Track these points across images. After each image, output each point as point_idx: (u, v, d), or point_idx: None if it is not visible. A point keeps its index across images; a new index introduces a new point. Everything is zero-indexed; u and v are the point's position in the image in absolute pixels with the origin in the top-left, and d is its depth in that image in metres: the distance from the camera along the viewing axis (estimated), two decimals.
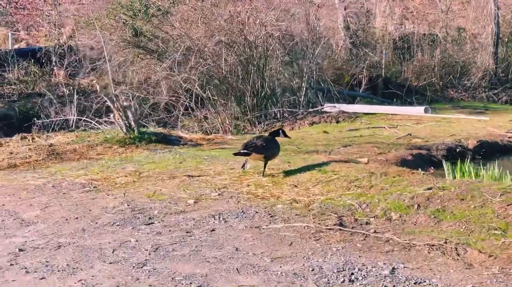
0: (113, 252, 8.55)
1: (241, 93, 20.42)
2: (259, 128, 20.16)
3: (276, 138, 12.05)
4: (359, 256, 8.19)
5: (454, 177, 11.92)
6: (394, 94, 27.36)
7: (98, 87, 18.26)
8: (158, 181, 11.87)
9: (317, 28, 22.87)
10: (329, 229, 9.21)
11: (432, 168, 13.81)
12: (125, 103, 15.27)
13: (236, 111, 20.61)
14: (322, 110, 20.99)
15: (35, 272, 7.89)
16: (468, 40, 35.64)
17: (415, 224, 9.21)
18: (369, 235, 8.92)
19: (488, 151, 16.26)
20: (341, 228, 9.23)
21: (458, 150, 15.53)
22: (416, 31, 36.43)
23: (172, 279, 7.63)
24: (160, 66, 19.99)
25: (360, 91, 25.14)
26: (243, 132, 20.35)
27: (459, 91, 33.78)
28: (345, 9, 34.92)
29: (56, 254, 8.52)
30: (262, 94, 20.56)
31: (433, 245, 8.28)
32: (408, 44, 35.04)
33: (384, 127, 18.06)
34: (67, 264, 8.12)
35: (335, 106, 20.89)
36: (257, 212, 10.08)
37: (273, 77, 20.96)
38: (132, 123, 15.38)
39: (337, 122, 20.09)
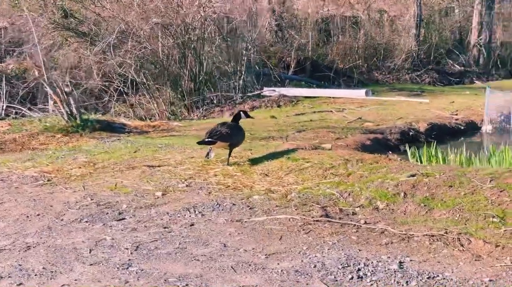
0: (90, 252, 7.94)
1: (178, 77, 19.78)
2: (197, 113, 19.62)
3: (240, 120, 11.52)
4: (359, 250, 7.80)
5: (421, 162, 11.64)
6: (322, 77, 27.14)
7: (36, 73, 17.34)
8: (117, 173, 11.23)
9: (253, 10, 22.33)
10: (317, 221, 8.80)
11: (390, 152, 13.51)
12: (66, 89, 14.46)
13: (172, 96, 19.96)
14: (262, 94, 20.50)
15: (9, 277, 7.23)
16: (390, 22, 35.76)
17: (405, 213, 8.87)
18: (361, 226, 8.54)
19: (439, 134, 16.16)
20: (329, 219, 8.83)
21: (411, 133, 15.36)
22: (339, 13, 36.35)
23: (165, 281, 7.09)
24: (93, 50, 19.09)
25: (288, 74, 24.76)
26: (180, 118, 19.74)
27: (384, 73, 33.90)
28: None
29: (27, 255, 7.85)
30: (200, 79, 19.96)
31: (432, 236, 7.95)
32: (332, 26, 34.92)
33: (332, 111, 17.77)
34: (43, 267, 7.49)
35: (274, 90, 20.50)
36: (234, 204, 9.59)
37: (211, 61, 20.35)
38: (74, 110, 14.61)
39: (279, 106, 19.70)
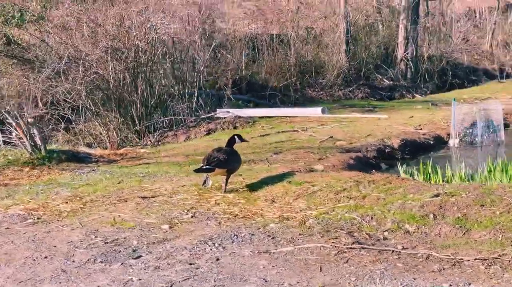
0: None
1: (128, 102, 19.11)
2: (151, 139, 18.95)
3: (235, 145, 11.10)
4: (414, 278, 7.45)
5: (429, 180, 11.39)
6: (261, 96, 26.81)
7: None
8: (110, 206, 10.61)
9: (200, 31, 21.87)
10: (350, 248, 8.40)
11: (373, 171, 13.25)
12: (29, 120, 13.71)
13: (122, 122, 19.28)
14: (215, 116, 20.02)
15: None
16: (320, 39, 35.79)
17: (440, 236, 8.56)
18: (400, 252, 8.18)
19: (412, 150, 16.01)
20: (363, 246, 8.45)
21: (387, 150, 15.13)
22: (267, 31, 36.23)
23: None
24: (39, 77, 18.27)
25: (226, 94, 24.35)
26: (132, 144, 19.09)
27: (316, 90, 33.80)
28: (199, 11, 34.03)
29: None
30: (151, 103, 19.34)
31: (484, 259, 7.65)
32: (262, 44, 34.70)
33: (298, 131, 17.40)
34: None
35: (228, 111, 20.03)
36: (252, 234, 9.11)
37: (161, 84, 19.77)
38: (38, 141, 13.84)
39: (235, 127, 19.25)
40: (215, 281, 7.80)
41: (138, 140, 19.60)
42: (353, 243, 8.59)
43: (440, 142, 17.16)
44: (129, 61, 18.87)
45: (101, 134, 19.66)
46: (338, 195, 10.08)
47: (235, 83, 29.46)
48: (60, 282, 7.93)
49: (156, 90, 19.57)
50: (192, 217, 9.99)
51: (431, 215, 8.92)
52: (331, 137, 16.19)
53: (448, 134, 17.53)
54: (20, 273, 8.25)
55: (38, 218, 10.34)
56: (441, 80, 37.78)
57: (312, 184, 10.58)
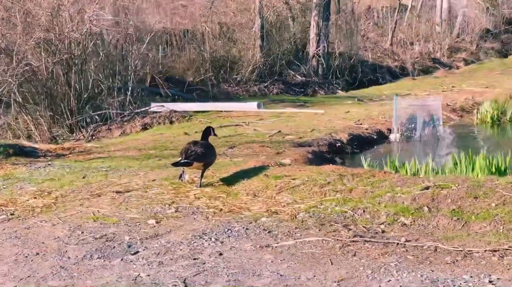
0: None
1: (61, 96, 18.64)
2: (84, 134, 18.55)
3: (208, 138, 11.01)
4: (431, 270, 7.53)
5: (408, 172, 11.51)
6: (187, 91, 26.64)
7: None
8: (83, 201, 10.35)
9: (131, 24, 21.52)
10: (353, 241, 8.46)
11: (330, 164, 13.33)
12: None
13: (51, 116, 18.79)
14: (150, 110, 19.74)
15: None
16: (235, 34, 35.81)
17: (438, 228, 8.72)
18: (405, 244, 8.25)
19: (359, 144, 16.18)
20: (366, 239, 8.49)
21: (337, 145, 15.25)
22: (182, 26, 36.03)
23: None
24: None
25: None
26: (63, 138, 18.64)
27: (232, 85, 33.78)
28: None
29: None
30: (84, 97, 18.92)
31: (495, 251, 7.81)
32: (177, 40, 34.45)
33: (242, 125, 17.33)
34: None
35: (163, 105, 19.78)
36: (247, 229, 9.05)
37: (95, 78, 19.36)
38: None
39: (171, 122, 19.08)
40: (227, 276, 7.68)
41: (69, 135, 19.11)
42: (354, 236, 8.59)
43: (382, 137, 17.42)
44: (62, 53, 18.34)
45: (29, 129, 19.07)
46: (323, 189, 10.07)
47: (154, 78, 29.07)
48: (64, 279, 7.69)
49: (90, 84, 19.09)
50: (176, 211, 9.82)
51: (425, 208, 9.03)
52: (280, 131, 16.16)
53: (389, 129, 17.77)
54: (16, 271, 7.97)
55: (11, 214, 9.96)
56: (351, 77, 38.28)
57: (292, 177, 10.54)
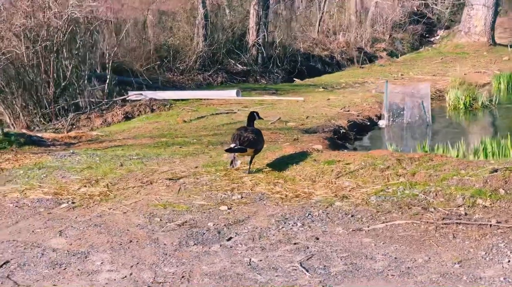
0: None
1: (37, 84, 18.27)
2: (62, 122, 18.24)
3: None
4: None
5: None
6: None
7: None
8: (139, 189, 10.30)
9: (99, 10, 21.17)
10: (445, 224, 8.61)
11: (345, 150, 13.55)
12: None
13: (30, 104, 18.42)
14: (127, 98, 19.52)
15: None
16: (178, 23, 35.63)
17: None
18: (499, 226, 8.50)
19: (358, 130, 16.42)
20: (455, 221, 8.65)
21: (341, 131, 15.44)
22: (123, 15, 35.63)
23: None
24: None
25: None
26: (39, 127, 18.30)
27: (176, 74, 33.64)
28: None
29: None
30: (63, 84, 18.58)
31: None
32: (121, 29, 34.01)
33: (232, 113, 17.34)
34: None
35: (141, 94, 19.59)
36: (327, 213, 9.17)
37: (73, 66, 19.03)
38: None
39: (152, 110, 18.94)
40: (340, 259, 7.79)
41: (45, 123, 18.75)
42: (443, 218, 8.79)
43: (372, 123, 17.67)
44: (41, 40, 17.95)
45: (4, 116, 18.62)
46: (384, 173, 10.21)
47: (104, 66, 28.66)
48: (177, 265, 7.66)
49: (69, 70, 18.73)
50: (242, 198, 9.83)
51: (501, 190, 9.27)
52: (280, 118, 16.24)
53: (376, 115, 18.06)
54: (121, 258, 7.89)
55: (72, 203, 9.82)
56: (290, 66, 38.51)
57: (346, 163, 10.66)
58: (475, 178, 9.60)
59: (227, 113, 17.62)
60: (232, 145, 10.56)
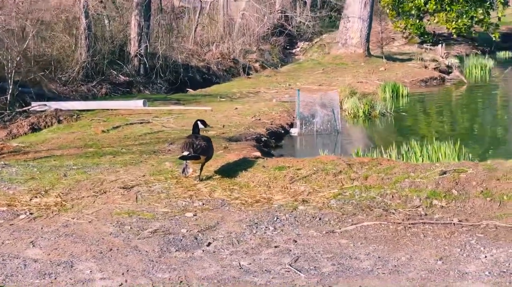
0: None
1: None
2: None
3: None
4: None
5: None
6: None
7: None
8: (94, 198, 10.37)
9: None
10: (411, 224, 9.09)
11: (274, 157, 13.92)
12: None
13: None
14: (31, 109, 19.21)
15: None
16: (60, 33, 35.14)
17: (478, 209, 9.53)
18: (462, 224, 9.00)
19: (275, 139, 16.81)
20: (420, 221, 9.14)
21: (263, 139, 15.79)
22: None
23: None
24: None
25: None
26: None
27: (59, 85, 33.17)
28: None
29: None
30: None
31: None
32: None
33: (150, 121, 17.40)
34: None
35: (45, 104, 19.30)
36: (294, 217, 9.48)
37: None
38: None
39: (59, 121, 18.72)
40: (327, 260, 8.09)
41: None
42: (407, 219, 9.22)
43: (286, 131, 18.10)
44: None
45: None
46: (337, 178, 10.57)
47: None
48: (169, 271, 7.77)
49: None
50: (203, 204, 9.99)
51: (454, 191, 9.79)
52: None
53: (287, 124, 18.48)
54: (109, 266, 7.92)
55: (30, 213, 9.71)
56: (173, 76, 38.57)
57: (296, 168, 10.97)
58: (427, 180, 10.06)
59: (141, 123, 17.61)
60: (186, 153, 10.65)
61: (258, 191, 10.39)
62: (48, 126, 18.63)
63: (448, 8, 42.56)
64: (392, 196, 9.88)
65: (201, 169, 10.97)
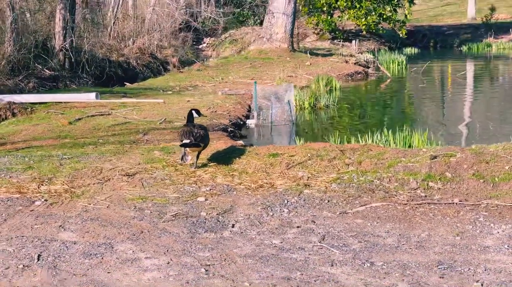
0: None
1: None
2: None
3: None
4: None
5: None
6: None
7: None
8: (101, 185, 10.70)
9: None
10: (418, 204, 9.71)
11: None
12: None
13: None
14: None
15: None
16: None
17: (471, 190, 10.18)
18: (464, 204, 9.68)
19: (238, 128, 17.31)
20: (424, 202, 9.78)
21: (229, 129, 16.26)
22: None
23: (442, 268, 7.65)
24: None
25: None
26: None
27: None
28: None
29: None
30: None
31: None
32: None
33: (110, 113, 17.64)
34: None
35: None
36: (304, 200, 10.01)
37: None
38: None
39: (13, 114, 18.78)
40: (353, 238, 8.64)
41: None
42: (412, 200, 9.84)
43: (243, 123, 18.60)
44: None
45: None
46: (332, 163, 11.14)
47: None
48: (208, 250, 8.18)
49: None
50: (210, 190, 10.39)
51: (448, 174, 10.48)
52: (165, 119, 16.76)
53: (244, 115, 18.99)
54: (146, 247, 8.31)
55: (45, 200, 9.97)
56: (98, 71, 38.52)
57: (290, 155, 11.48)
58: (419, 164, 10.72)
59: (101, 115, 17.83)
60: (187, 141, 11.01)
61: (258, 177, 10.82)
62: (3, 119, 18.57)
63: (358, 5, 43.96)
64: (389, 180, 10.46)
65: (197, 156, 11.34)
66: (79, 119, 17.20)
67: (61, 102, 20.12)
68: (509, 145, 11.06)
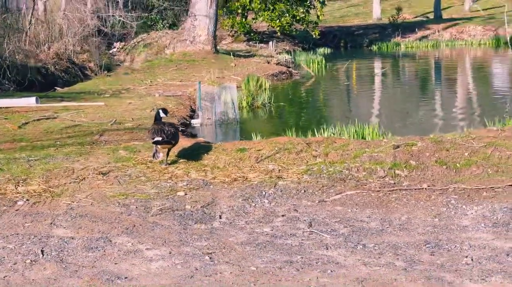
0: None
1: None
2: None
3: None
4: (491, 202, 9.65)
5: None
6: None
7: None
8: (77, 184, 10.91)
9: None
10: (390, 191, 10.29)
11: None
12: None
13: None
14: None
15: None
16: None
17: (436, 176, 10.84)
18: (433, 189, 10.28)
19: (185, 127, 17.68)
20: (395, 188, 10.39)
21: (180, 129, 16.59)
22: None
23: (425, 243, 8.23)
24: None
25: None
26: None
27: None
28: None
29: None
30: None
31: (510, 185, 10.17)
32: None
33: (56, 117, 17.77)
34: None
35: None
36: (281, 191, 10.46)
37: None
38: None
39: None
40: (338, 223, 9.17)
41: None
42: (384, 187, 10.40)
43: (188, 122, 18.97)
44: None
45: None
46: (300, 155, 11.63)
47: None
48: (204, 240, 8.58)
49: None
50: (187, 185, 10.75)
51: (412, 162, 11.10)
52: (115, 120, 16.98)
53: (188, 115, 19.35)
54: (144, 239, 8.60)
55: (27, 200, 10.17)
56: (19, 77, 38.13)
57: (257, 149, 11.92)
58: (383, 154, 11.30)
59: (47, 118, 17.89)
60: (159, 138, 11.33)
61: (230, 171, 11.22)
62: None
63: (272, 7, 44.78)
64: (357, 169, 11.00)
65: (168, 154, 11.66)
66: (26, 123, 17.22)
67: (1, 108, 19.96)
68: (465, 133, 11.71)
